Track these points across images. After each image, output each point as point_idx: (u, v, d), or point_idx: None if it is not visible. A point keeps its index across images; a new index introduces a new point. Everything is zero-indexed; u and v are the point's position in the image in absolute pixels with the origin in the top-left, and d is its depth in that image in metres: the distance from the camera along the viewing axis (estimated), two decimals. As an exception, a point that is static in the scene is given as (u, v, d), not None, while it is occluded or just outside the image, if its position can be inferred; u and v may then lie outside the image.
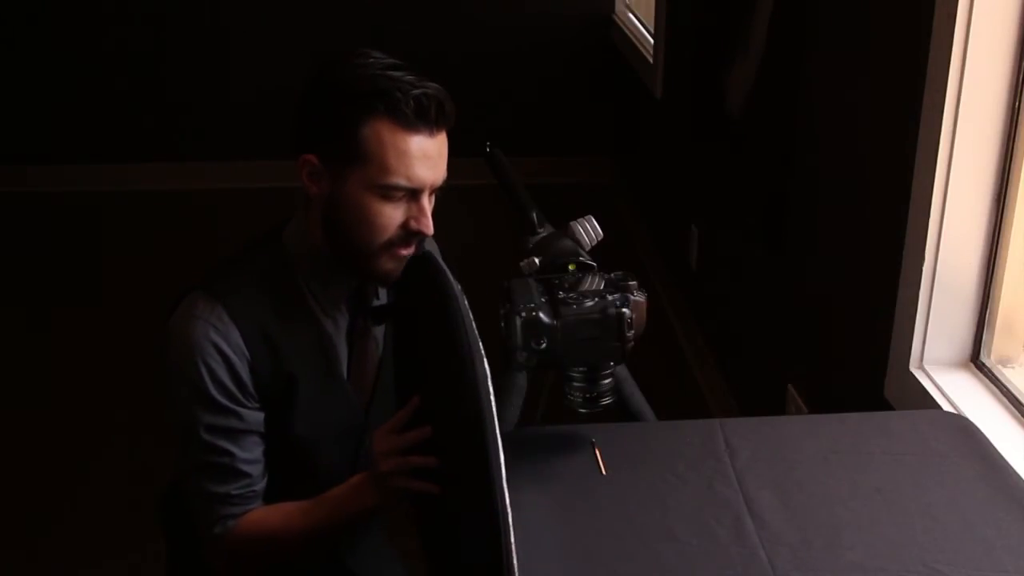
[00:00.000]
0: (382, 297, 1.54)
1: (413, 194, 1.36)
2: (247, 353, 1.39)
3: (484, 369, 1.11)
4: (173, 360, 1.40)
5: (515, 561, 1.04)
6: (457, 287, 1.17)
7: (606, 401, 1.33)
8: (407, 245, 1.39)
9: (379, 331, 1.55)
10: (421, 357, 1.31)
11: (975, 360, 1.70)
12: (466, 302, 1.15)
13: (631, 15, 4.50)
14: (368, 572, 1.66)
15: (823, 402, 2.19)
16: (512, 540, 1.04)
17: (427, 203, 1.38)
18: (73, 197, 4.70)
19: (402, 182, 1.34)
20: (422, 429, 1.29)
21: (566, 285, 1.31)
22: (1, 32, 4.65)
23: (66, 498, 2.78)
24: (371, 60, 1.36)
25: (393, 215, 1.36)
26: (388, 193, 1.35)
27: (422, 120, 1.33)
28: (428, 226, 1.38)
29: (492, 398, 1.10)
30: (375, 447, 1.35)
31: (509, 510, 1.05)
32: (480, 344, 1.13)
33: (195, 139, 4.84)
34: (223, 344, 1.37)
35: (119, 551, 2.53)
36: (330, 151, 1.36)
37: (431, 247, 1.66)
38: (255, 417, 1.43)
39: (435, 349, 1.23)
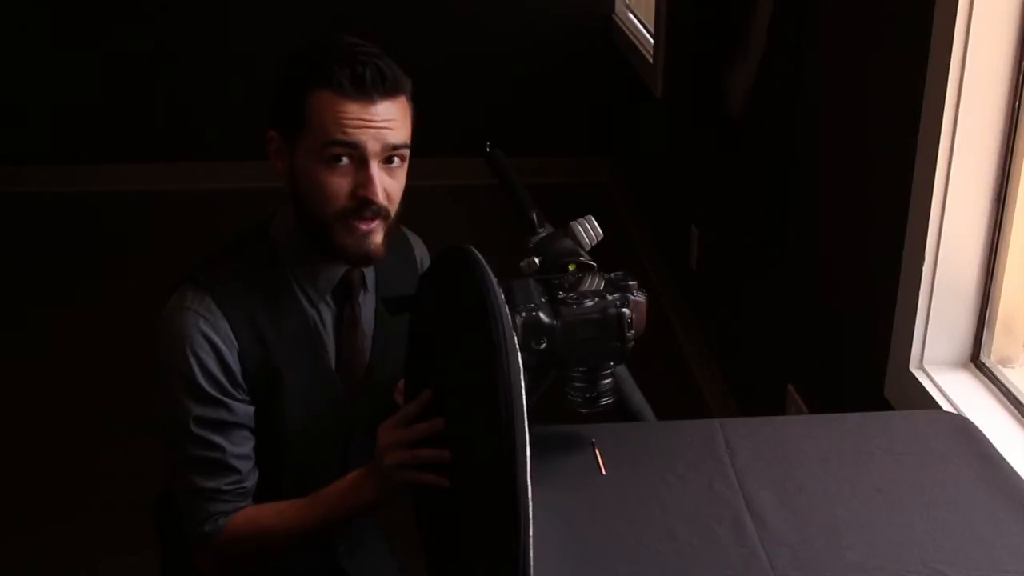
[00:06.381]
0: (369, 287, 1.54)
1: (360, 161, 1.37)
2: (236, 343, 1.41)
3: (518, 363, 1.11)
4: (163, 352, 1.41)
5: (531, 557, 1.04)
6: (495, 280, 1.16)
7: (606, 401, 1.33)
8: (362, 218, 1.39)
9: (368, 325, 1.55)
10: (441, 349, 1.31)
11: (975, 360, 1.70)
12: (502, 296, 1.15)
13: (631, 15, 4.50)
14: (363, 572, 1.66)
15: (823, 402, 2.19)
16: (531, 535, 1.04)
17: (375, 170, 1.38)
18: (73, 197, 4.70)
19: (338, 136, 1.36)
20: (433, 422, 1.28)
21: (566, 285, 1.31)
22: (1, 32, 4.66)
23: (65, 498, 2.78)
24: (329, 39, 1.41)
25: (340, 183, 1.38)
26: (332, 158, 1.37)
27: (357, 87, 1.35)
28: (374, 192, 1.38)
29: (523, 392, 1.10)
30: (380, 441, 1.35)
31: (531, 505, 1.05)
32: (515, 337, 1.12)
33: (195, 139, 4.84)
34: (212, 334, 1.39)
35: (118, 551, 2.53)
36: (284, 125, 1.41)
37: (419, 248, 1.67)
38: (245, 411, 1.43)
39: (464, 341, 1.22)
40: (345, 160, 1.37)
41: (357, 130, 1.36)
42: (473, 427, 1.18)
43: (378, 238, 1.42)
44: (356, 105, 1.36)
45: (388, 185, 1.40)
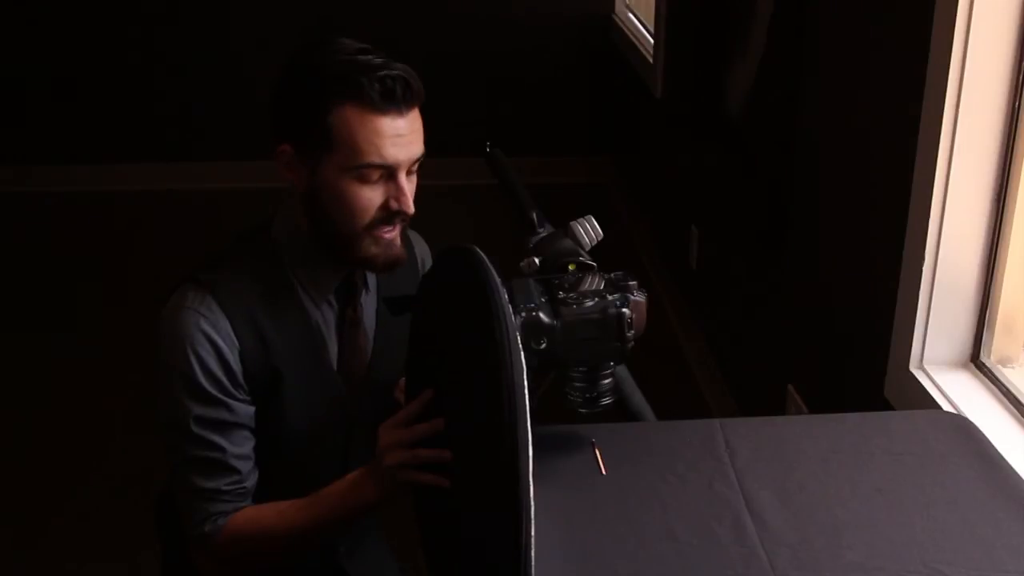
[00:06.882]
0: (371, 287, 1.55)
1: (390, 174, 1.37)
2: (237, 342, 1.40)
3: (521, 362, 1.11)
4: (164, 351, 1.41)
5: (532, 557, 1.04)
6: (498, 280, 1.16)
7: (606, 401, 1.33)
8: (389, 226, 1.40)
9: (369, 325, 1.55)
10: (443, 349, 1.31)
11: (975, 360, 1.70)
12: (506, 296, 1.15)
13: (631, 15, 4.50)
14: (363, 572, 1.66)
15: (823, 402, 2.19)
16: (532, 535, 1.04)
17: (405, 181, 1.39)
18: (73, 197, 4.70)
19: (375, 160, 1.35)
20: (433, 422, 1.28)
21: (566, 285, 1.31)
22: (2, 33, 4.66)
23: (66, 498, 2.78)
24: (337, 46, 1.38)
25: (372, 197, 1.38)
26: (364, 175, 1.36)
27: (388, 101, 1.34)
28: (408, 204, 1.39)
29: (527, 392, 1.10)
30: (380, 441, 1.35)
31: (533, 506, 1.05)
32: (519, 337, 1.13)
33: (195, 139, 4.84)
34: (213, 333, 1.39)
35: (119, 551, 2.53)
36: (303, 140, 1.38)
37: (419, 246, 1.67)
38: (245, 411, 1.43)
39: (467, 340, 1.22)
40: (376, 175, 1.37)
41: (392, 149, 1.35)
42: (475, 427, 1.18)
43: (399, 242, 1.43)
44: (386, 120, 1.35)
45: (411, 192, 1.41)
